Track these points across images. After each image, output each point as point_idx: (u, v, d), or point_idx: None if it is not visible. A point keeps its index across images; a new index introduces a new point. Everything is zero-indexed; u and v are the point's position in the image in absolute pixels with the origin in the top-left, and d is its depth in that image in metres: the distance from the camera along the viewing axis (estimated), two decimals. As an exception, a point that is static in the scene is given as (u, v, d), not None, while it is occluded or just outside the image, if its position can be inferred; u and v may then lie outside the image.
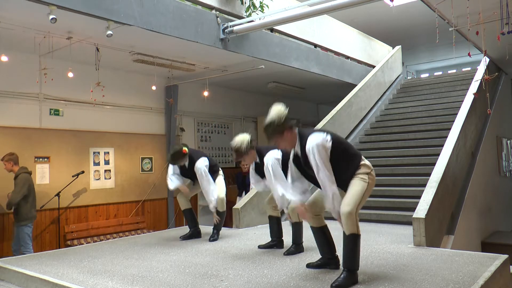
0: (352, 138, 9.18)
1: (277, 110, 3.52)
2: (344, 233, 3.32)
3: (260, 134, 11.37)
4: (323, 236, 3.76)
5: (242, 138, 4.58)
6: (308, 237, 4.85)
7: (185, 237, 5.48)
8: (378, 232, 5.60)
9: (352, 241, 3.29)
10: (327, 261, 3.77)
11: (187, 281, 3.53)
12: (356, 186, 3.36)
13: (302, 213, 3.67)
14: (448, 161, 5.73)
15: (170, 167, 5.50)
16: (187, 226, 5.74)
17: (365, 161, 3.48)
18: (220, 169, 5.61)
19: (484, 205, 7.88)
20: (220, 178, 5.52)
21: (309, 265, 3.84)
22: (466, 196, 6.49)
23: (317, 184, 3.50)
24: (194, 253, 4.61)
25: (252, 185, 5.05)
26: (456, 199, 6.29)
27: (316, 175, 3.36)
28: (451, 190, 5.94)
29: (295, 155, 3.63)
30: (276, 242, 4.77)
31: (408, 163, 7.64)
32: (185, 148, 5.19)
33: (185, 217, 5.64)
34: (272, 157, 4.31)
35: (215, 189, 5.23)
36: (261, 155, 4.55)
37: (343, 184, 3.40)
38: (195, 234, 5.55)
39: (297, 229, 4.48)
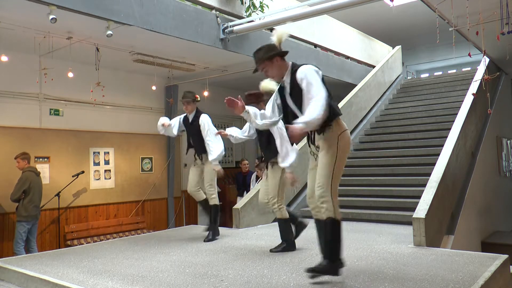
0: (352, 138, 9.16)
1: (275, 35, 3.41)
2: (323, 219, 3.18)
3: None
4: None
5: (266, 86, 4.55)
6: (308, 238, 4.86)
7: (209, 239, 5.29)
8: (378, 232, 5.59)
9: (331, 226, 3.14)
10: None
11: (187, 281, 3.53)
12: (323, 162, 3.16)
13: (291, 176, 3.59)
14: (448, 161, 5.73)
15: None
16: (186, 226, 5.73)
17: (341, 119, 3.29)
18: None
19: (484, 205, 7.88)
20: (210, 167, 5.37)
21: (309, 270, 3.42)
22: (466, 196, 6.49)
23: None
24: (194, 253, 4.61)
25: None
26: (456, 199, 6.28)
27: (308, 98, 3.09)
28: (451, 190, 5.94)
29: (280, 88, 3.48)
30: (287, 244, 4.57)
31: (408, 163, 7.64)
32: (197, 95, 5.18)
33: (203, 208, 5.45)
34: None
35: (220, 141, 5.11)
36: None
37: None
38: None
39: (282, 225, 4.50)
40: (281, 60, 3.39)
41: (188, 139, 5.45)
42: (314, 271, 3.19)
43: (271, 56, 3.35)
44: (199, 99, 5.22)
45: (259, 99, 4.59)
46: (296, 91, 3.28)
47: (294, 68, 3.32)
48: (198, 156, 5.35)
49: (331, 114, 3.17)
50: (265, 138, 4.54)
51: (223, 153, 5.12)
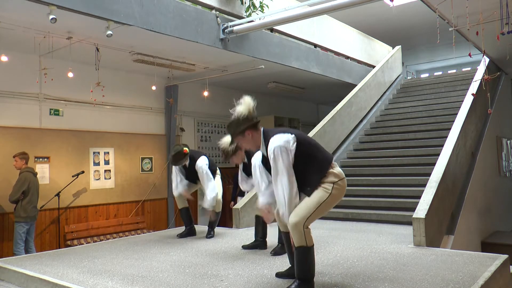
0: (352, 138, 9.18)
1: (243, 105, 3.32)
2: (293, 244, 3.14)
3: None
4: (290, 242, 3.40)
5: (229, 139, 4.57)
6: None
7: (182, 235, 5.57)
8: (378, 232, 5.60)
9: (301, 253, 3.08)
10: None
11: (187, 281, 3.53)
12: (313, 197, 3.12)
13: (266, 215, 3.47)
14: (448, 161, 5.73)
15: (174, 174, 5.54)
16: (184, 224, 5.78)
17: (335, 169, 3.22)
18: (218, 169, 5.63)
19: (484, 205, 7.88)
20: (218, 178, 5.56)
21: (277, 275, 3.57)
22: (466, 196, 6.49)
23: None
24: (194, 253, 4.61)
25: (240, 184, 4.97)
26: (456, 199, 6.29)
27: (273, 181, 3.13)
28: (451, 190, 5.94)
29: (263, 156, 3.46)
30: (259, 242, 4.76)
31: (408, 163, 7.65)
32: (185, 148, 5.23)
33: (181, 216, 5.70)
34: (260, 158, 4.30)
35: (215, 187, 5.27)
36: (249, 156, 4.53)
37: (306, 191, 3.18)
38: (191, 232, 5.65)
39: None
40: (253, 131, 3.27)
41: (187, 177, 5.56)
42: None
43: (242, 131, 3.27)
44: (188, 151, 5.25)
45: (229, 153, 4.67)
46: (269, 163, 3.24)
47: (266, 140, 3.23)
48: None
49: (323, 171, 3.16)
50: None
51: (215, 197, 5.23)
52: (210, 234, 5.49)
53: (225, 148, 4.60)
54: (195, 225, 5.79)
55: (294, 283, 3.14)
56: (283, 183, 3.07)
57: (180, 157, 5.19)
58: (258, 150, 3.43)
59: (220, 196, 5.47)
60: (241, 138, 3.31)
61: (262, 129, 3.31)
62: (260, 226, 4.80)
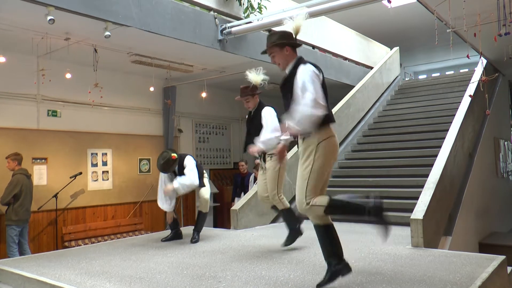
0: (350, 140, 9.19)
1: (294, 22, 3.36)
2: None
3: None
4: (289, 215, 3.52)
5: (254, 79, 4.56)
6: (306, 238, 4.86)
7: (167, 239, 5.46)
8: (376, 233, 5.58)
9: (319, 232, 3.19)
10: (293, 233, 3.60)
11: (185, 282, 3.52)
12: (300, 172, 3.11)
13: (282, 152, 3.52)
14: (445, 162, 5.73)
15: (161, 182, 5.35)
16: (185, 227, 5.74)
17: (331, 126, 3.21)
18: (204, 171, 5.54)
19: (481, 206, 7.90)
20: (205, 181, 5.47)
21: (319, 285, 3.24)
22: (463, 197, 6.50)
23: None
24: (192, 254, 4.61)
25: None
26: (454, 200, 6.29)
27: (296, 96, 3.09)
28: (448, 191, 5.95)
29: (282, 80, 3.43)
30: (295, 231, 4.60)
31: (406, 164, 7.65)
32: (174, 154, 5.07)
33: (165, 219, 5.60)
34: (271, 109, 4.47)
35: (195, 179, 5.08)
36: (262, 105, 4.63)
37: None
38: (176, 235, 5.51)
39: (286, 215, 4.56)
40: (291, 50, 3.34)
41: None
42: (320, 285, 3.18)
43: (282, 44, 3.32)
44: (176, 157, 5.09)
45: (253, 91, 4.65)
46: (288, 85, 3.26)
47: (298, 63, 3.28)
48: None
49: (327, 118, 3.15)
50: (255, 130, 4.53)
51: (189, 185, 5.10)
52: (195, 238, 5.28)
53: (256, 81, 4.57)
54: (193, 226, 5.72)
55: (329, 269, 3.16)
56: (309, 99, 3.00)
57: (169, 164, 5.05)
58: (284, 68, 3.41)
59: (208, 196, 5.36)
60: (278, 50, 3.35)
61: (298, 55, 3.37)
62: (290, 216, 4.61)
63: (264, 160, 4.59)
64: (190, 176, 5.07)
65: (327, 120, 3.17)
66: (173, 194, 5.29)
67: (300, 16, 3.39)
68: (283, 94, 3.39)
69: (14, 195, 6.27)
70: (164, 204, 5.34)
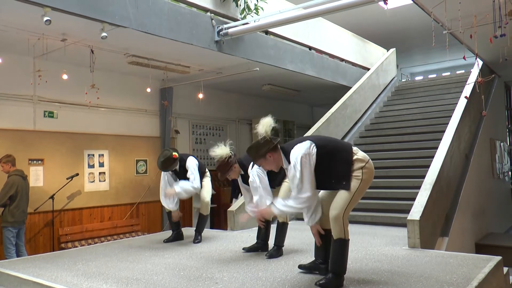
0: (347, 140, 9.20)
1: (262, 126, 3.45)
2: (332, 237, 3.28)
3: (255, 137, 11.36)
4: (323, 238, 3.57)
5: (222, 153, 4.42)
6: (304, 239, 4.86)
7: (169, 240, 5.42)
8: (373, 234, 5.61)
9: (339, 246, 3.26)
10: (318, 265, 3.65)
11: (182, 283, 3.52)
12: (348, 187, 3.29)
13: (317, 233, 3.57)
14: (442, 163, 5.75)
15: (163, 182, 5.38)
16: (181, 228, 5.70)
17: (358, 154, 3.37)
18: (207, 171, 5.55)
19: (478, 207, 7.92)
20: (207, 180, 5.46)
21: (300, 266, 3.77)
22: (460, 198, 6.52)
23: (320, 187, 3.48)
24: (188, 255, 4.60)
25: (244, 197, 4.89)
26: (450, 201, 6.31)
27: (292, 187, 3.29)
28: (445, 192, 5.97)
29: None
30: (260, 244, 4.71)
31: (402, 165, 7.67)
32: (175, 153, 5.08)
33: (168, 219, 5.55)
34: (256, 168, 4.26)
35: (197, 182, 5.12)
36: (245, 167, 4.50)
37: (341, 183, 3.29)
38: (178, 236, 5.49)
39: (281, 230, 4.48)
40: (273, 153, 3.41)
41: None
42: (321, 286, 3.26)
43: (263, 154, 3.40)
44: (177, 156, 5.13)
45: (229, 165, 4.48)
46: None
47: (287, 156, 3.37)
48: None
49: (349, 160, 3.31)
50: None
51: (190, 190, 5.15)
52: (197, 239, 5.31)
53: (222, 161, 4.43)
54: (192, 227, 5.69)
55: (328, 276, 3.28)
56: (305, 188, 3.22)
57: (169, 162, 5.06)
58: (279, 169, 3.54)
59: (208, 199, 5.36)
60: (263, 161, 3.46)
61: (280, 148, 3.44)
62: (264, 229, 4.71)
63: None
64: (192, 181, 5.09)
65: (350, 154, 3.37)
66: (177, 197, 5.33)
67: (267, 119, 3.50)
68: None
69: (10, 197, 6.22)
70: (168, 203, 5.34)
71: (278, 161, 3.44)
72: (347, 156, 3.33)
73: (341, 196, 3.26)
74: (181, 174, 5.28)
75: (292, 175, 3.26)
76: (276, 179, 4.43)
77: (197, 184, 5.13)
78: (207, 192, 5.38)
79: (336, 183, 3.31)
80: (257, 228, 4.80)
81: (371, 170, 3.39)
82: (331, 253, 3.30)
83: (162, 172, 5.39)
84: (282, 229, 4.48)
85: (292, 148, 3.33)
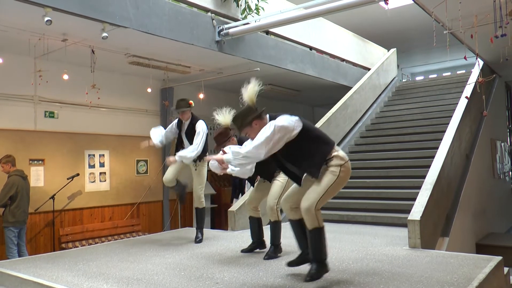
0: (348, 141, 9.20)
1: (246, 93, 3.48)
2: (307, 227, 3.29)
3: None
4: (300, 229, 3.52)
5: (224, 121, 4.42)
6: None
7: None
8: (373, 234, 5.61)
9: (315, 234, 3.27)
10: (306, 256, 3.58)
11: (182, 283, 3.52)
12: (322, 181, 3.29)
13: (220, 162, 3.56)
14: (443, 164, 5.75)
15: (168, 128, 5.39)
16: (182, 228, 5.70)
17: (339, 152, 3.38)
18: (207, 155, 5.28)
19: (478, 207, 7.92)
20: (203, 170, 5.32)
21: (290, 263, 3.63)
22: (461, 198, 6.52)
23: (283, 170, 3.53)
24: (189, 255, 4.60)
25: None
26: (451, 201, 6.31)
27: (255, 139, 3.24)
28: (446, 192, 5.96)
29: None
30: (256, 243, 4.69)
31: (403, 165, 7.66)
32: (191, 101, 5.15)
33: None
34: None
35: (199, 149, 5.09)
36: (242, 142, 4.42)
37: (311, 169, 3.32)
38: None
39: (275, 229, 4.43)
40: (259, 121, 3.41)
41: (181, 142, 5.37)
42: (312, 278, 3.29)
43: (249, 122, 3.40)
44: (193, 104, 5.17)
45: (228, 135, 4.47)
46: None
47: (272, 119, 3.36)
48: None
49: (326, 151, 3.32)
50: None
51: (191, 157, 5.10)
52: (198, 238, 5.25)
53: (222, 131, 4.38)
54: (193, 227, 5.60)
55: (313, 266, 3.30)
56: (261, 154, 3.19)
57: (184, 104, 5.09)
58: None
59: (200, 192, 5.27)
60: (249, 129, 3.44)
61: (268, 116, 3.44)
62: (256, 227, 4.72)
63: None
64: (194, 149, 5.06)
65: (330, 147, 3.38)
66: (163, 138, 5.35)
67: (252, 85, 3.54)
68: (280, 155, 3.45)
69: (10, 197, 6.23)
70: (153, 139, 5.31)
71: (263, 127, 3.36)
72: (327, 149, 3.35)
73: (314, 189, 3.27)
74: (188, 132, 5.24)
75: (264, 131, 3.22)
76: (267, 170, 4.42)
77: (196, 149, 5.07)
78: (199, 184, 5.26)
79: (306, 167, 3.34)
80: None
81: (349, 170, 3.39)
82: (309, 243, 3.32)
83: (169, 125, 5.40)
84: (275, 227, 4.43)
85: (280, 116, 3.35)
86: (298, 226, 3.53)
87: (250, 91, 3.51)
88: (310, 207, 3.22)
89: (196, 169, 5.28)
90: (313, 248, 3.31)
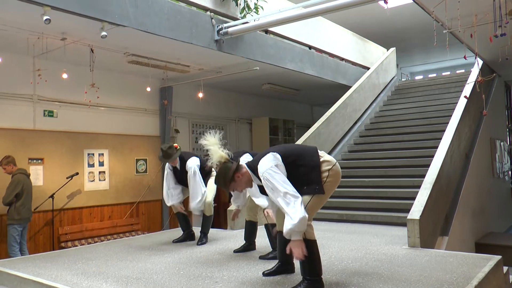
0: (347, 140, 9.20)
1: (213, 151, 3.46)
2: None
3: (254, 136, 11.38)
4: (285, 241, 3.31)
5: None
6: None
7: (178, 240, 5.37)
8: (373, 233, 5.61)
9: (307, 248, 3.06)
10: (284, 267, 3.60)
11: (182, 282, 3.52)
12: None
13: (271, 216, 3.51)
14: (442, 163, 5.75)
15: (166, 178, 5.34)
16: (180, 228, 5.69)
17: (325, 157, 3.29)
18: (213, 170, 5.38)
19: (478, 206, 7.92)
20: (211, 180, 5.32)
21: (264, 273, 3.63)
22: (460, 197, 6.52)
23: None
24: (188, 254, 4.60)
25: (232, 201, 4.86)
26: (450, 200, 6.32)
27: (276, 201, 3.09)
28: (445, 191, 5.97)
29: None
30: (246, 245, 4.70)
31: (402, 164, 7.67)
32: (176, 144, 5.09)
33: (178, 220, 5.54)
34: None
35: (200, 190, 5.07)
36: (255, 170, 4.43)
37: (315, 187, 3.19)
38: (188, 236, 5.44)
39: (270, 232, 4.42)
40: (239, 172, 3.34)
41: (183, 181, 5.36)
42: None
43: (232, 178, 3.33)
44: (179, 147, 5.12)
45: (227, 176, 4.40)
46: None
47: (255, 172, 3.27)
48: None
49: (317, 164, 3.23)
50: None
51: (200, 201, 5.09)
52: (201, 241, 5.21)
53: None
54: (193, 227, 5.64)
55: (304, 283, 3.14)
56: (287, 197, 3.00)
57: (171, 152, 5.00)
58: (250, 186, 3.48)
59: (211, 198, 5.27)
60: (234, 184, 3.37)
61: (246, 165, 3.37)
62: (252, 231, 4.73)
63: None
64: (192, 199, 5.07)
65: (316, 158, 3.29)
66: (180, 193, 5.35)
67: (213, 146, 3.58)
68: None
69: (16, 195, 6.29)
70: (169, 200, 5.32)
71: (248, 177, 3.36)
72: (315, 160, 3.25)
73: (305, 198, 3.14)
74: (182, 174, 5.21)
75: (270, 193, 3.11)
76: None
77: (200, 190, 5.06)
78: (210, 191, 5.27)
79: (308, 189, 3.19)
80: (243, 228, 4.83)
81: (337, 172, 3.30)
82: (300, 261, 3.14)
83: (165, 171, 5.35)
84: (269, 232, 4.43)
85: (258, 164, 3.22)
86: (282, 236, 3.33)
87: (214, 149, 3.51)
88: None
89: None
90: (304, 263, 3.14)
